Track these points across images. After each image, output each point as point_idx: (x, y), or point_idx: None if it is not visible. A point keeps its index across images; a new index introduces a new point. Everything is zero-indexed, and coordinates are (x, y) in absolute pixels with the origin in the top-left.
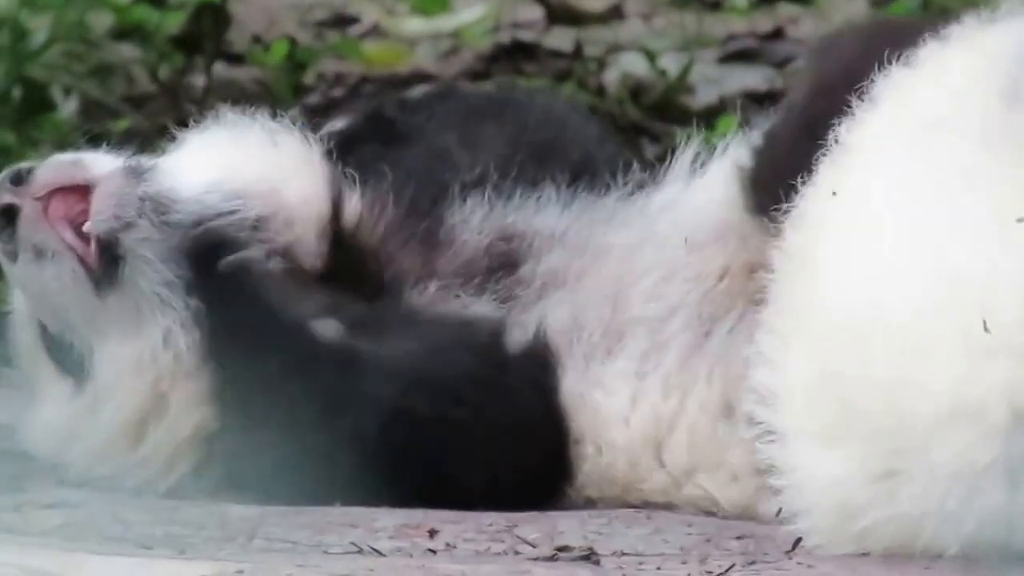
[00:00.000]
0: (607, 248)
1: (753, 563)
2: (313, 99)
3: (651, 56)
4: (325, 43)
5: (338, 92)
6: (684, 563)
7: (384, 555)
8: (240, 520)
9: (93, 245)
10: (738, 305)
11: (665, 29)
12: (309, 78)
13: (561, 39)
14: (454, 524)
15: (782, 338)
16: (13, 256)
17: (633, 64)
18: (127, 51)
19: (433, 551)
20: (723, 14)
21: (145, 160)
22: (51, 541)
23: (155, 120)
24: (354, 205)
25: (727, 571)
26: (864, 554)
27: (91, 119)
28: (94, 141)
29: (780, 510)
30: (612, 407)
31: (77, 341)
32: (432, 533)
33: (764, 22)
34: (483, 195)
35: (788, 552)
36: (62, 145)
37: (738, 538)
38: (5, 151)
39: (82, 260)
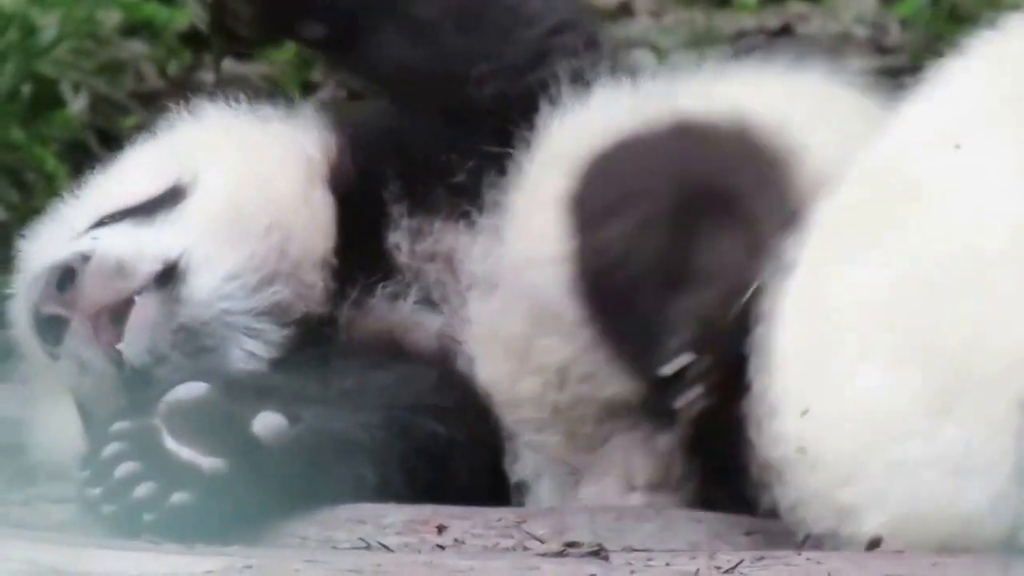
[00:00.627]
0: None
1: (762, 559)
2: (323, 95)
3: (660, 53)
4: None
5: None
6: (693, 559)
7: (392, 551)
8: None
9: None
10: None
11: (674, 26)
12: (317, 74)
13: None
14: (462, 520)
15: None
16: (55, 357)
17: (642, 61)
18: (136, 47)
19: (441, 547)
20: (732, 11)
21: (169, 255)
22: (60, 536)
23: (164, 117)
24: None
25: (736, 566)
26: (872, 550)
27: (100, 115)
28: (104, 138)
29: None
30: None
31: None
32: (440, 529)
33: (773, 19)
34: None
35: (798, 547)
36: (71, 143)
37: (747, 533)
38: (14, 148)
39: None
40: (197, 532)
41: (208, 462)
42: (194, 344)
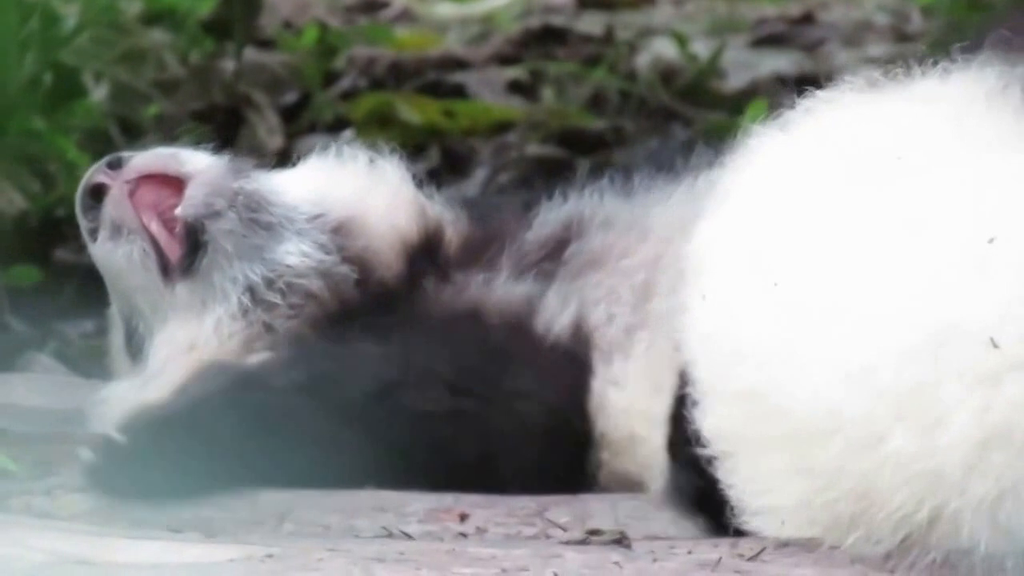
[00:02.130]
0: (648, 230)
1: (785, 546)
2: (344, 83)
3: (682, 40)
4: (355, 28)
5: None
6: (715, 546)
7: (414, 539)
8: (270, 503)
9: (179, 228)
10: None
11: (696, 13)
12: (339, 63)
13: (592, 23)
14: (485, 508)
15: None
16: (94, 234)
17: (664, 48)
18: (158, 36)
19: (464, 535)
20: None
21: (245, 162)
22: (81, 525)
23: (186, 105)
24: (440, 230)
25: (758, 554)
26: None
27: (122, 104)
28: (125, 126)
29: None
30: (627, 407)
31: (141, 326)
32: (463, 517)
33: (794, 6)
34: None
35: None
36: (93, 132)
37: None
38: (36, 136)
39: (155, 245)
40: (179, 457)
41: (185, 393)
42: (251, 213)
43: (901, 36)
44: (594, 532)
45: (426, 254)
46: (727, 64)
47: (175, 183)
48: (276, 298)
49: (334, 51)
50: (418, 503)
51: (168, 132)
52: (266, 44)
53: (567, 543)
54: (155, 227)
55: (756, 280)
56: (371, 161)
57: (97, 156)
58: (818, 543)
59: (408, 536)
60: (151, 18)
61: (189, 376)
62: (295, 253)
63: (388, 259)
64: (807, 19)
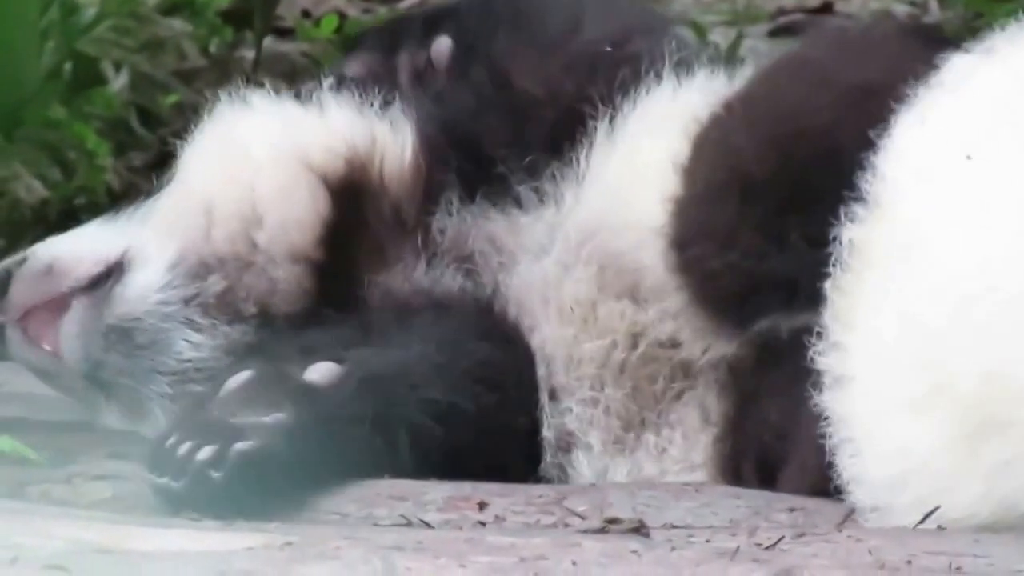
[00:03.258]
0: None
1: (803, 535)
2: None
3: (700, 30)
4: (374, 17)
5: None
6: (734, 535)
7: (433, 527)
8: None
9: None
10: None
11: (714, 4)
12: None
13: None
14: (503, 497)
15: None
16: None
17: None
18: (177, 25)
19: (482, 523)
20: None
21: (110, 256)
22: (101, 514)
23: (205, 94)
24: (370, 174)
25: (776, 543)
26: (915, 528)
27: (141, 93)
28: (144, 116)
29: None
30: None
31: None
32: (481, 506)
33: None
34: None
35: (838, 525)
36: (112, 121)
37: (789, 510)
38: (56, 125)
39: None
40: (271, 487)
41: (271, 418)
42: (128, 343)
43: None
44: (612, 521)
45: (355, 215)
46: (745, 54)
47: (58, 300)
48: (198, 377)
49: (353, 40)
50: (437, 492)
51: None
52: (285, 33)
53: (585, 532)
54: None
55: None
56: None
57: (116, 145)
58: (835, 534)
59: (427, 524)
60: (170, 7)
61: None
62: (186, 348)
63: (291, 289)
64: (825, 9)
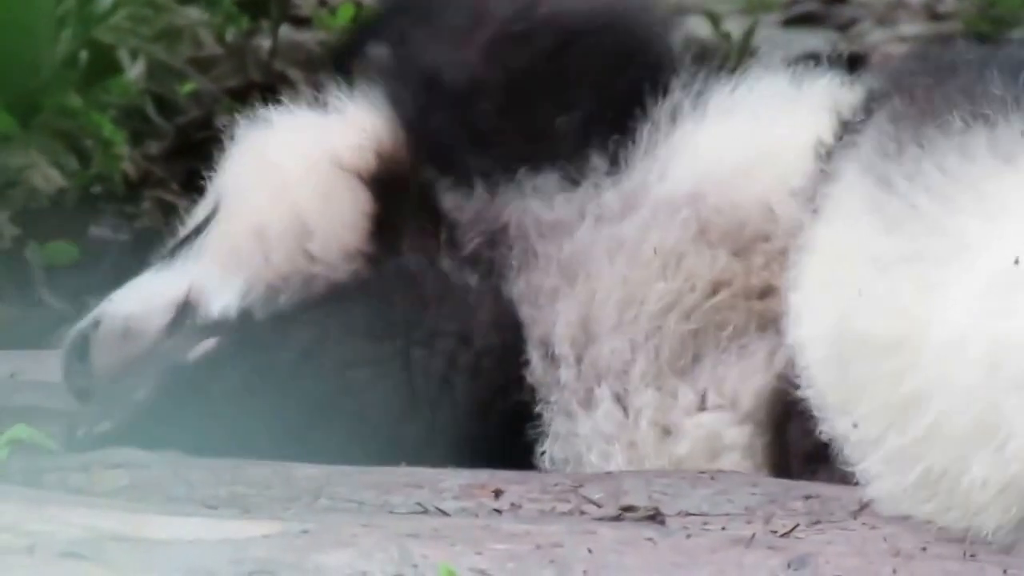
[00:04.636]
0: (578, 259)
1: (818, 523)
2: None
3: (715, 20)
4: None
5: None
6: (749, 523)
7: (449, 515)
8: (305, 480)
9: None
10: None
11: None
12: None
13: None
14: (519, 484)
15: None
16: None
17: (697, 27)
18: (193, 14)
19: (498, 511)
20: None
21: (177, 299)
22: (118, 501)
23: (221, 83)
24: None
25: (791, 531)
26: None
27: (157, 82)
28: (161, 104)
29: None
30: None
31: None
32: (497, 493)
33: None
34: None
35: (854, 512)
36: (129, 109)
37: (804, 498)
38: (72, 114)
39: None
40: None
41: (139, 394)
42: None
43: (934, 15)
44: (628, 508)
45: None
46: (760, 43)
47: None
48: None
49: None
50: (453, 479)
51: (204, 110)
52: (302, 22)
53: (601, 519)
54: None
55: None
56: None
57: (133, 133)
58: (851, 521)
59: (443, 512)
60: None
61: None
62: None
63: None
64: None
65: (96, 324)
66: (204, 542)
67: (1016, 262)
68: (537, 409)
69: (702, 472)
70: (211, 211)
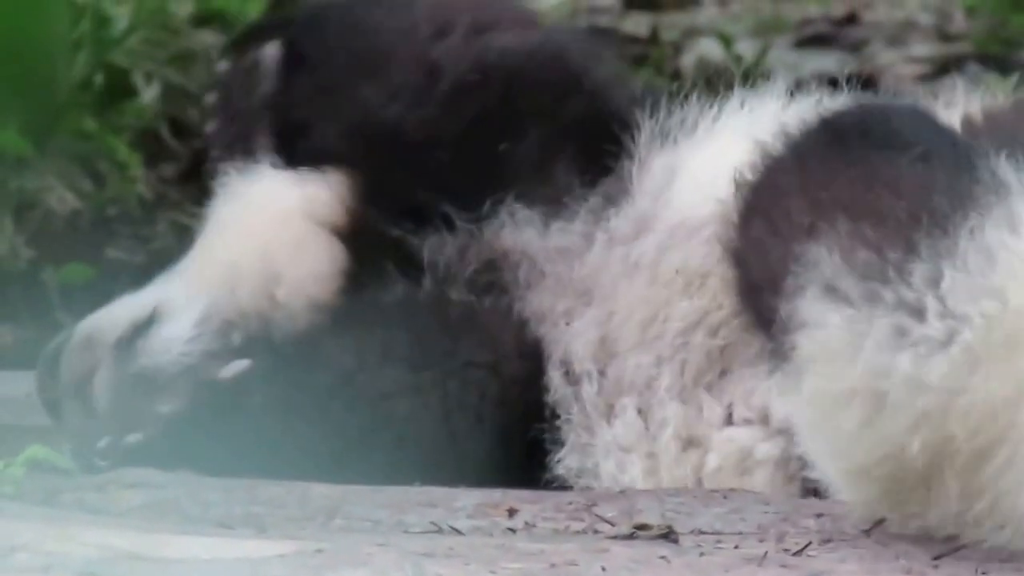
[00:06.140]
0: (591, 280)
1: (830, 541)
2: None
3: (727, 41)
4: None
5: None
6: (761, 541)
7: (464, 534)
8: (320, 499)
9: None
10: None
11: (741, 14)
12: None
13: (637, 24)
14: (533, 503)
15: None
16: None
17: (709, 49)
18: (208, 38)
19: (512, 530)
20: None
21: (142, 315)
22: (134, 521)
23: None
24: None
25: (804, 549)
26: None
27: (172, 105)
28: (175, 127)
29: None
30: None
31: None
32: (511, 512)
33: (838, 6)
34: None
35: (866, 530)
36: (143, 132)
37: (816, 516)
38: (87, 137)
39: None
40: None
41: (167, 407)
42: (152, 387)
43: (944, 36)
44: (641, 527)
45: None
46: (772, 64)
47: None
48: None
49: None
50: (467, 498)
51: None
52: None
53: (615, 538)
54: None
55: None
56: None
57: (148, 156)
58: (863, 539)
59: (457, 531)
60: (201, 20)
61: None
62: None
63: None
64: (851, 19)
65: (67, 339)
66: (220, 561)
67: None
68: (557, 424)
69: (715, 490)
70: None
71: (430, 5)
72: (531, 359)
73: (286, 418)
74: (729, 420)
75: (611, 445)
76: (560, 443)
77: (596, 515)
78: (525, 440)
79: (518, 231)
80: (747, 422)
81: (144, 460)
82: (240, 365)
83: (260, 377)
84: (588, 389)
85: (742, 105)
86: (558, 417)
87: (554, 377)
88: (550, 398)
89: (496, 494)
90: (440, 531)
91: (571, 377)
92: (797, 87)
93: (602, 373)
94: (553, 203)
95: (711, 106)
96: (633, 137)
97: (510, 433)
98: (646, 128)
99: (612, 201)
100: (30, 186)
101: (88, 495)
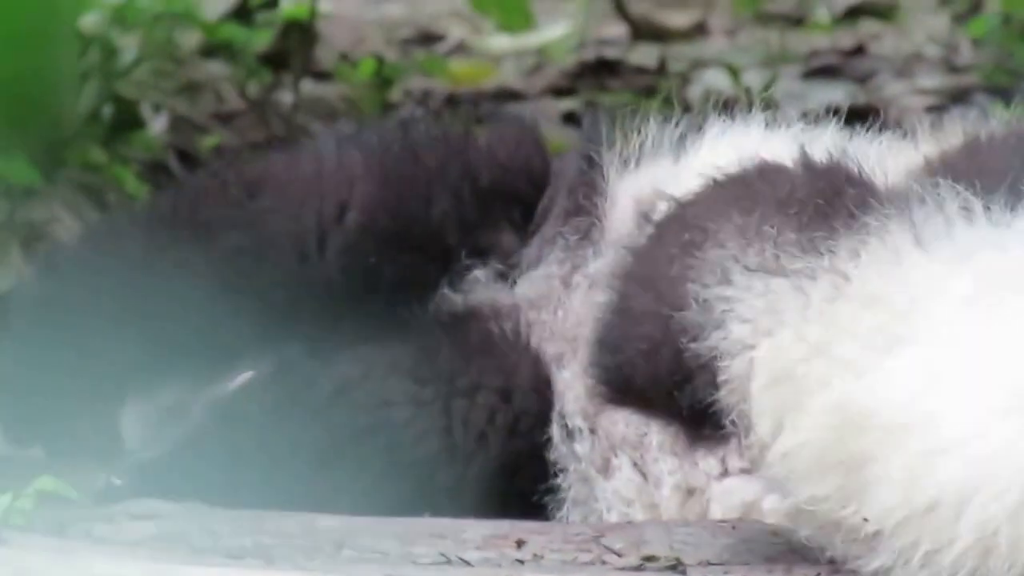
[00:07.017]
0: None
1: (838, 572)
2: (403, 113)
3: (734, 72)
4: (412, 60)
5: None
6: (770, 572)
7: (472, 565)
8: (329, 530)
9: None
10: None
11: (748, 45)
12: (396, 95)
13: (645, 55)
14: (541, 534)
15: None
16: None
17: (717, 80)
18: (216, 68)
19: (521, 561)
20: (806, 30)
21: None
22: (143, 551)
23: (243, 136)
24: None
25: None
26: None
27: (180, 136)
28: (184, 158)
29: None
30: None
31: None
32: (519, 543)
33: (846, 38)
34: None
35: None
36: (152, 163)
37: (824, 547)
38: (95, 168)
39: None
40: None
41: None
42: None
43: (951, 68)
44: (649, 558)
45: None
46: (779, 95)
47: None
48: None
49: (390, 83)
50: (475, 530)
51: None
52: (323, 76)
53: (623, 569)
54: None
55: None
56: None
57: (156, 187)
58: (872, 569)
59: (466, 562)
60: (209, 50)
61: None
62: None
63: None
64: (859, 51)
65: None
66: None
67: None
68: (558, 481)
69: (723, 521)
70: None
71: None
72: (543, 396)
73: (288, 426)
74: (725, 472)
75: (613, 498)
76: (563, 500)
77: (604, 546)
78: (532, 480)
79: (491, 292)
80: (742, 472)
81: (156, 479)
82: (245, 377)
83: (265, 388)
84: (581, 447)
85: (718, 134)
86: (559, 474)
87: (555, 434)
88: (551, 455)
89: (504, 525)
90: (449, 562)
91: (568, 432)
92: (804, 117)
93: (592, 431)
94: (509, 255)
95: (682, 134)
96: (602, 173)
97: (516, 467)
98: (612, 162)
99: (588, 238)
100: (38, 217)
101: (97, 526)
